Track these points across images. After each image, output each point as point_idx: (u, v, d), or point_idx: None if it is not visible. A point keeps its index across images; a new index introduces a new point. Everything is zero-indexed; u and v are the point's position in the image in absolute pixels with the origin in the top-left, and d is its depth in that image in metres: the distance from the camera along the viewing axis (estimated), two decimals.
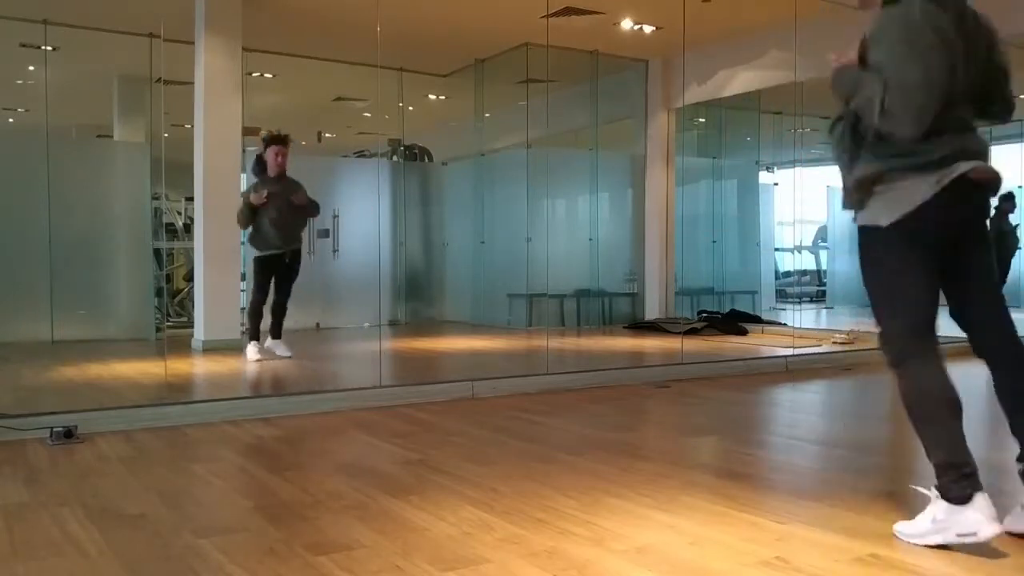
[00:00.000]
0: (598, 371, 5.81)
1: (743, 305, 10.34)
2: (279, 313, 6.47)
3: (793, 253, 14.06)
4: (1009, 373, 2.44)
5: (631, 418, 4.67)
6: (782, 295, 12.55)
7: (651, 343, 8.14)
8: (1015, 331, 2.48)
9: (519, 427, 4.22)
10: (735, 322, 9.14)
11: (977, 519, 2.20)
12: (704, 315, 9.89)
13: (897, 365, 2.39)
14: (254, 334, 6.37)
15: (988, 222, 2.55)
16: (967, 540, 2.22)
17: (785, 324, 9.25)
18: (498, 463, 3.39)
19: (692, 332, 8.46)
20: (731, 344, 7.94)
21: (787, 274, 14.16)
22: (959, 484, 2.24)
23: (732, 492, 2.93)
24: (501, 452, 3.61)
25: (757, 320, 9.64)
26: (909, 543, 2.34)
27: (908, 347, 2.38)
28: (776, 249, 12.72)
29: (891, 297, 2.42)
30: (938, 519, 2.27)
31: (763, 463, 3.54)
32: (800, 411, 5.14)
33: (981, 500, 2.22)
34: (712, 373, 6.12)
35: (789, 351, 6.85)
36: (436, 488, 3.00)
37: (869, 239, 2.45)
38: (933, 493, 2.32)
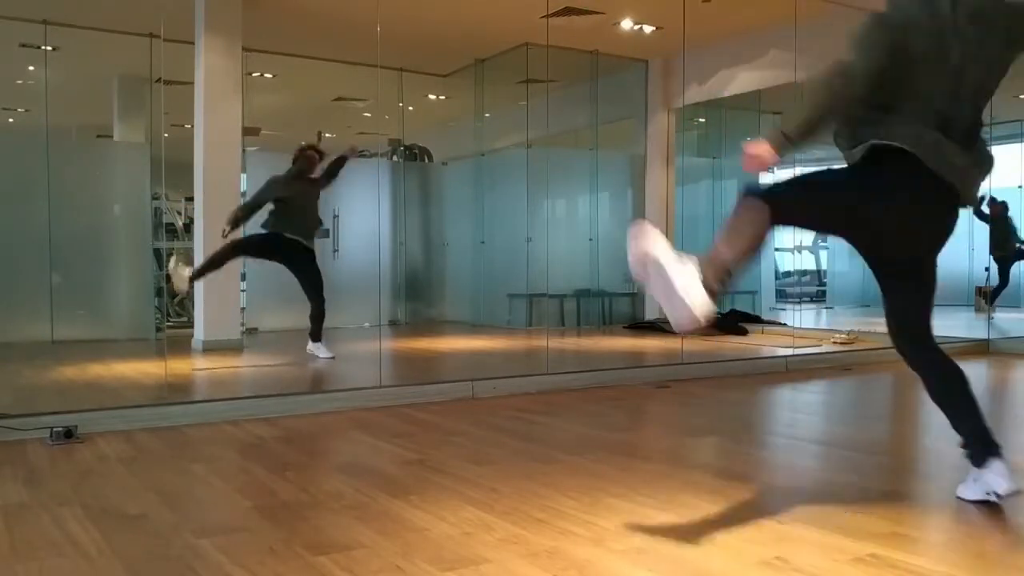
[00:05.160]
0: (598, 371, 5.81)
1: (743, 305, 10.33)
2: (317, 318, 6.71)
3: (793, 253, 14.07)
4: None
5: (631, 418, 4.67)
6: (782, 295, 12.54)
7: (651, 343, 8.14)
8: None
9: (519, 427, 4.22)
10: (735, 322, 9.14)
11: (992, 479, 2.60)
12: None
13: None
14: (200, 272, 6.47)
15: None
16: (991, 497, 2.61)
17: (785, 324, 9.25)
18: (498, 463, 3.39)
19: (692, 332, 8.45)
20: (731, 344, 7.94)
21: (787, 274, 14.17)
22: (974, 453, 2.65)
23: (732, 492, 2.93)
24: (501, 452, 3.61)
25: (757, 320, 9.64)
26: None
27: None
28: (776, 249, 12.71)
29: None
30: (975, 478, 2.69)
31: (763, 463, 3.55)
32: (800, 411, 5.13)
33: (998, 464, 2.60)
34: (712, 373, 6.12)
35: (789, 351, 6.85)
36: (436, 488, 3.00)
37: None
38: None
